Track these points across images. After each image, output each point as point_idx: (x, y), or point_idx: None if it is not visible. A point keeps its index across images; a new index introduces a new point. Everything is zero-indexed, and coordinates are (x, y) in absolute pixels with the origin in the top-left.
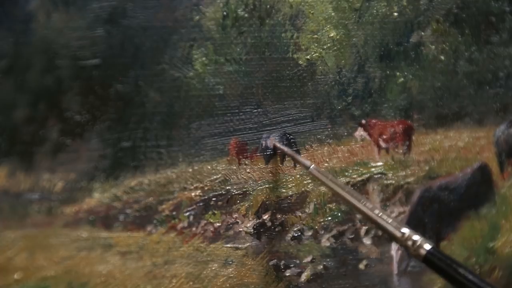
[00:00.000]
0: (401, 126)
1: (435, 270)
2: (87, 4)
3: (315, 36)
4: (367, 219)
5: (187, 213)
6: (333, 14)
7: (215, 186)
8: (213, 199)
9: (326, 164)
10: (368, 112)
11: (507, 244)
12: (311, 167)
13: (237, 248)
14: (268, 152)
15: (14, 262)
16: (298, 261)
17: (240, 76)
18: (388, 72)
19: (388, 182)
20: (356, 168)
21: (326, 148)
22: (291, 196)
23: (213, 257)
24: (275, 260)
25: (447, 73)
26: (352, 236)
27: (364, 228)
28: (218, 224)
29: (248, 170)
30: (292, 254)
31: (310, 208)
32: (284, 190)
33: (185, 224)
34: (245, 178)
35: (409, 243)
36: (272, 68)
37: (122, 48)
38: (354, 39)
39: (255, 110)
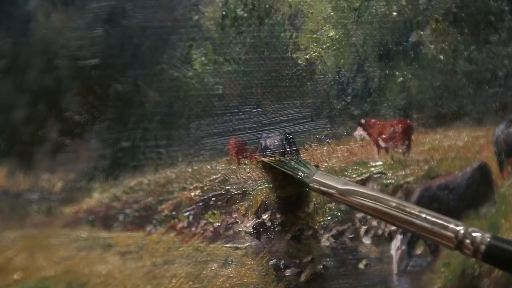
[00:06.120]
0: (400, 125)
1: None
2: (86, 4)
3: (314, 35)
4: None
5: (187, 213)
6: (332, 13)
7: (214, 186)
8: (213, 199)
9: (325, 164)
10: (368, 111)
11: None
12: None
13: (236, 248)
14: (268, 152)
15: (13, 262)
16: (298, 261)
17: (239, 76)
18: (387, 71)
19: (388, 181)
20: (355, 167)
21: (325, 148)
22: (290, 195)
23: (212, 257)
24: (275, 259)
25: (446, 73)
26: (352, 236)
27: (363, 228)
28: (217, 224)
29: (247, 170)
30: (292, 254)
31: (309, 208)
32: (283, 190)
33: (185, 224)
34: (244, 178)
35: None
36: (271, 67)
37: (121, 48)
38: (353, 38)
39: (255, 110)
